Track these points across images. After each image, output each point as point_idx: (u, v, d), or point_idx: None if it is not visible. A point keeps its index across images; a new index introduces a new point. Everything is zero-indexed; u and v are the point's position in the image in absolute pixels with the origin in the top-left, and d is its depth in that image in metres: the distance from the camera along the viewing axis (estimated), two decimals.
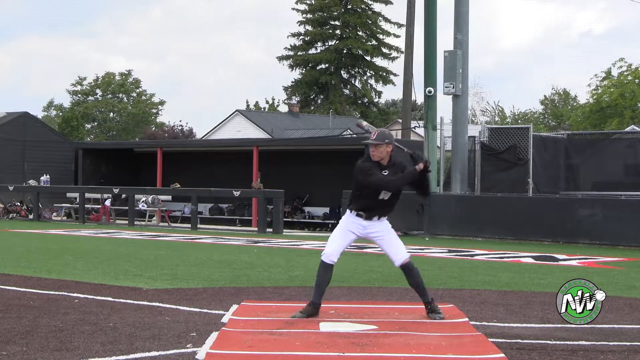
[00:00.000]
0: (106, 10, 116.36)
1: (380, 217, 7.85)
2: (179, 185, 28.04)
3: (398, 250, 7.81)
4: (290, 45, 66.46)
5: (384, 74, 66.04)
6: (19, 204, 29.65)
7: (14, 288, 9.77)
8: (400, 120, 38.74)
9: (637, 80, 50.07)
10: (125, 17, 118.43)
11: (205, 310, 8.17)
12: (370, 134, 7.91)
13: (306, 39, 66.34)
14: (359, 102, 68.23)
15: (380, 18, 65.24)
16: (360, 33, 65.61)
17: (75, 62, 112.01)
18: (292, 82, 66.77)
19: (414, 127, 31.04)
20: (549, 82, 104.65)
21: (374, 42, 65.91)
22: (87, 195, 28.71)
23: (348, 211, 7.97)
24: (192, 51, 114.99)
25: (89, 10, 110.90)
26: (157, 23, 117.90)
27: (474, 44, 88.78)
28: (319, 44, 66.54)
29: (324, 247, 8.04)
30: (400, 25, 61.59)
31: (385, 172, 7.72)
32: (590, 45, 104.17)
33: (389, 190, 7.72)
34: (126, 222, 26.26)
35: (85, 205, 28.08)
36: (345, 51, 65.26)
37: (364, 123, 8.60)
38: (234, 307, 8.32)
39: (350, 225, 7.92)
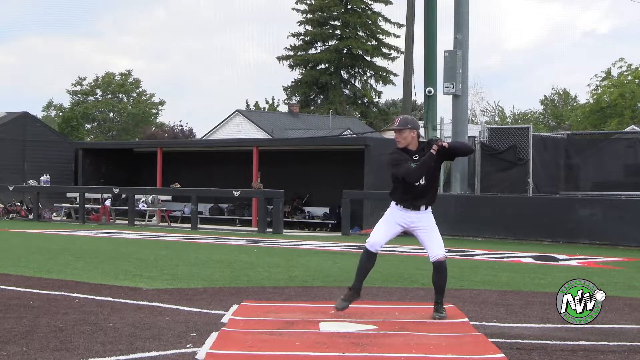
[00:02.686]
0: (107, 10, 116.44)
1: (427, 207, 7.89)
2: (179, 185, 28.05)
3: (436, 246, 7.85)
4: (290, 45, 66.50)
5: (384, 74, 66.06)
6: (19, 204, 29.65)
7: (14, 288, 9.77)
8: None
9: (637, 80, 50.11)
10: (126, 16, 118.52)
11: (205, 310, 8.17)
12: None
13: (306, 39, 66.36)
14: (359, 102, 68.25)
15: (380, 18, 65.27)
16: (360, 33, 65.63)
17: (76, 62, 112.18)
18: (292, 82, 66.82)
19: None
20: (550, 82, 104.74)
21: (374, 42, 65.93)
22: (87, 195, 28.70)
23: (393, 204, 7.94)
24: (192, 51, 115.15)
25: (90, 10, 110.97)
26: (159, 23, 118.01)
27: (478, 44, 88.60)
28: (319, 44, 66.58)
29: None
30: (400, 25, 61.65)
31: (415, 157, 7.77)
32: (593, 45, 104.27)
33: (412, 180, 7.75)
34: (126, 222, 26.26)
35: (85, 205, 28.08)
36: (345, 51, 65.28)
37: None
38: (234, 307, 8.32)
39: (397, 217, 7.90)
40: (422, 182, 7.79)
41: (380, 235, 7.91)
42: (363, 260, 7.97)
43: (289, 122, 56.45)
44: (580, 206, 19.25)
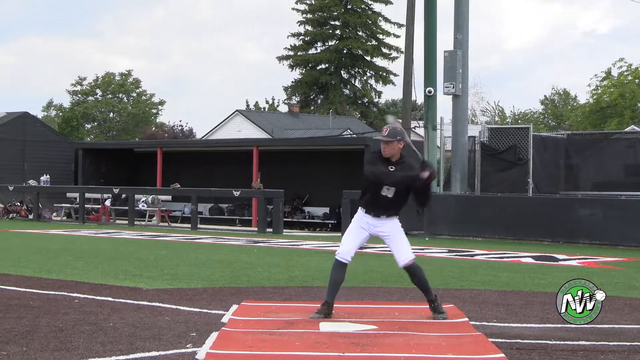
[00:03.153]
0: (107, 10, 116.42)
1: (389, 217, 7.83)
2: (179, 185, 28.03)
3: (402, 251, 7.80)
4: (290, 45, 66.45)
5: (384, 74, 66.01)
6: (19, 204, 29.65)
7: (14, 288, 9.77)
8: (400, 120, 38.75)
9: (637, 80, 50.10)
10: (126, 16, 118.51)
11: (205, 310, 8.17)
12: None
13: (306, 39, 66.32)
14: (359, 102, 68.20)
15: (380, 18, 65.21)
16: (360, 33, 65.58)
17: (76, 62, 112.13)
18: (292, 82, 66.78)
19: (414, 127, 31.02)
20: (550, 82, 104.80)
21: (374, 42, 65.88)
22: (87, 195, 28.70)
23: (360, 208, 7.94)
24: (192, 51, 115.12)
25: (90, 10, 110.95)
26: (159, 23, 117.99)
27: (478, 44, 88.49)
28: (319, 44, 66.52)
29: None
30: (400, 25, 61.60)
31: (391, 167, 7.73)
32: (593, 45, 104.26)
33: (382, 182, 7.68)
34: (126, 222, 26.26)
35: (85, 205, 28.08)
36: (345, 51, 65.24)
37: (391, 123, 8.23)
38: (234, 307, 8.32)
39: (361, 222, 7.89)
40: (390, 195, 7.72)
41: (349, 244, 7.86)
42: (333, 273, 7.84)
43: (289, 122, 56.43)
44: (580, 206, 19.25)
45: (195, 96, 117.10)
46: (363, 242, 8.00)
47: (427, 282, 7.86)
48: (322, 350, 6.26)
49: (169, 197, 28.61)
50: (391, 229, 7.82)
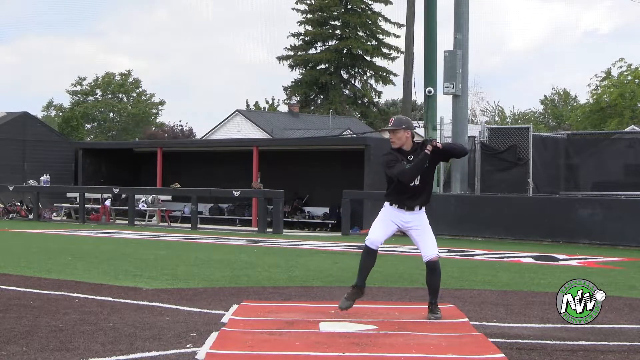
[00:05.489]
0: (108, 10, 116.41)
1: (421, 208, 7.92)
2: (179, 185, 28.04)
3: (429, 247, 7.87)
4: (290, 45, 66.44)
5: (384, 74, 65.99)
6: (19, 204, 29.65)
7: (14, 288, 9.77)
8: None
9: (637, 80, 50.10)
10: (127, 17, 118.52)
11: (205, 310, 8.17)
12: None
13: (306, 39, 66.30)
14: (359, 102, 68.18)
15: (380, 18, 65.20)
16: (360, 33, 65.57)
17: (76, 62, 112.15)
18: (292, 82, 66.76)
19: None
20: (550, 82, 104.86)
21: (374, 42, 65.87)
22: (87, 195, 28.69)
23: (387, 204, 7.95)
24: (192, 51, 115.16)
25: (91, 10, 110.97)
26: (160, 23, 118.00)
27: (478, 44, 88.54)
28: (319, 44, 66.51)
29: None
30: (400, 25, 61.59)
31: (410, 157, 7.78)
32: (594, 45, 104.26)
33: (406, 180, 7.73)
34: (126, 222, 26.26)
35: (85, 205, 28.08)
36: (345, 51, 65.22)
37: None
38: (234, 307, 8.32)
39: (391, 215, 7.91)
40: (417, 182, 7.79)
41: (379, 233, 7.91)
42: (364, 258, 7.97)
43: (289, 122, 56.39)
44: (580, 206, 19.24)
45: (195, 96, 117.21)
46: (391, 234, 8.01)
47: (438, 284, 7.88)
48: (322, 350, 6.26)
49: (169, 197, 28.61)
50: (422, 222, 7.93)
